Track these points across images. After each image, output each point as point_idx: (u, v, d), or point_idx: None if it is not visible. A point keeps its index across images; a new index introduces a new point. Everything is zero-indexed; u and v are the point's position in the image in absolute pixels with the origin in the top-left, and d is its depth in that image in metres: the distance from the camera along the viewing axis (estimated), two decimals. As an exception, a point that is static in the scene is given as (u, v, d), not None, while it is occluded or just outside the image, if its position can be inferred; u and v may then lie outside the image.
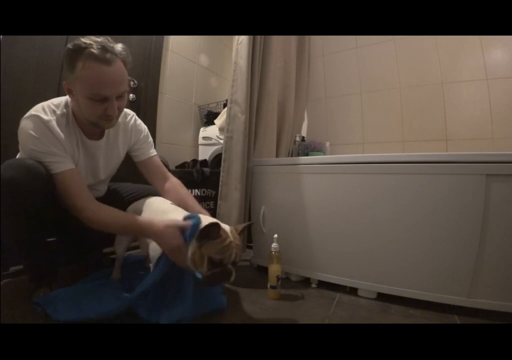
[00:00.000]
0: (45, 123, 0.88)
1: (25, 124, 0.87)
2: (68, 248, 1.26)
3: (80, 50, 0.83)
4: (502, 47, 1.59)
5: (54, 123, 0.89)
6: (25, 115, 0.89)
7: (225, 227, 0.87)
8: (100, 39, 0.86)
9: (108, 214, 0.92)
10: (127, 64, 0.92)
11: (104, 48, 0.84)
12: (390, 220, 1.08)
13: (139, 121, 1.19)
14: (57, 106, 0.94)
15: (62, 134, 0.91)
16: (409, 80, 1.84)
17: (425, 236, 1.03)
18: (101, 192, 1.20)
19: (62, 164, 0.90)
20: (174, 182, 1.17)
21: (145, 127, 1.21)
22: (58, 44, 1.44)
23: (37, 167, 0.85)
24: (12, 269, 1.22)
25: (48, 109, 0.91)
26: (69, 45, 0.86)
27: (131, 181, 1.33)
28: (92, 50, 0.83)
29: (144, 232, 0.90)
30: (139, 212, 1.04)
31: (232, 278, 0.83)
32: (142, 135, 1.19)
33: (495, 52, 1.61)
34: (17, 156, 0.98)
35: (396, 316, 0.98)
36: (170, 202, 1.08)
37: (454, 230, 0.98)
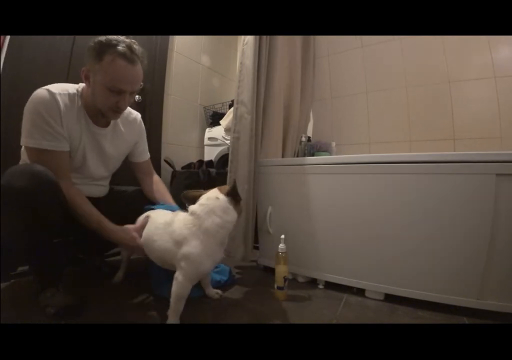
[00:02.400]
0: (52, 95, 0.94)
1: (34, 96, 0.93)
2: (72, 250, 1.27)
3: (112, 46, 0.94)
4: (511, 44, 1.56)
5: (59, 97, 0.96)
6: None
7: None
8: (127, 40, 0.97)
9: (83, 200, 1.00)
10: (143, 66, 1.02)
11: (131, 49, 0.96)
12: (398, 221, 1.07)
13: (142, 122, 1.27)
14: (66, 88, 1.00)
15: (64, 108, 0.96)
16: (415, 79, 1.82)
17: (433, 237, 1.01)
18: (105, 188, 1.23)
19: (56, 142, 0.95)
20: (157, 179, 1.31)
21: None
22: (65, 44, 1.47)
23: (46, 173, 0.86)
24: (20, 269, 1.23)
25: (57, 87, 0.97)
26: (100, 38, 0.95)
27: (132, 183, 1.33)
28: (123, 48, 0.94)
29: (105, 232, 1.00)
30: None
31: None
32: (145, 135, 1.28)
33: (503, 50, 1.58)
34: (22, 149, 1.01)
35: (404, 317, 0.97)
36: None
37: (464, 231, 0.97)
